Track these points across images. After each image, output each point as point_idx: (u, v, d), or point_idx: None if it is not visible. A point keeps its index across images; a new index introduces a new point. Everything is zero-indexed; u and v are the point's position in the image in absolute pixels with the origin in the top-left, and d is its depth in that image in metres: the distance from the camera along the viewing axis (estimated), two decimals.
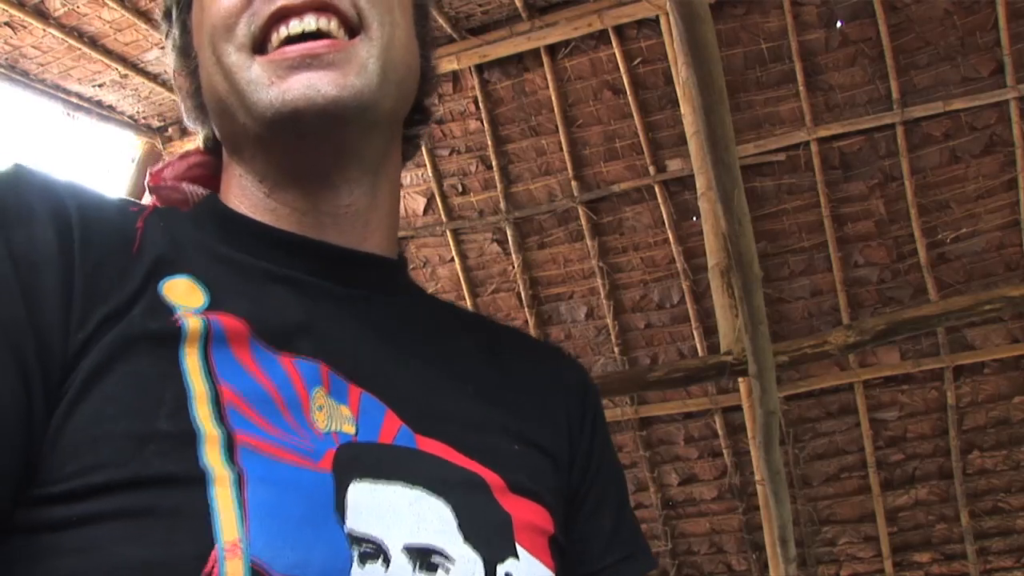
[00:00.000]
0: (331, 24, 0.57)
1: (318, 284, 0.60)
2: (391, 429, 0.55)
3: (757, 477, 3.88)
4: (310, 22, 0.57)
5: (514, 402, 0.64)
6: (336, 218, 0.62)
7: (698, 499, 4.64)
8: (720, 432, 4.48)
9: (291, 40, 0.57)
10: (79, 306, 0.49)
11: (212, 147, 0.69)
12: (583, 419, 0.69)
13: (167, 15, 0.68)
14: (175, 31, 0.67)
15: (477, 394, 0.62)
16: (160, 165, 0.68)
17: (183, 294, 0.53)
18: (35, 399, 0.46)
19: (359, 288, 0.62)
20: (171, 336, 0.50)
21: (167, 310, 0.51)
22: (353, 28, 0.59)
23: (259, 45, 0.58)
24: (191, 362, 0.49)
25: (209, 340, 0.51)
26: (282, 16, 0.57)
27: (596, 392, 0.73)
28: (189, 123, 0.69)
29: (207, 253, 0.58)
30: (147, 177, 0.67)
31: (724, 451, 4.50)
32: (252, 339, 0.53)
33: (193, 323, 0.51)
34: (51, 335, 0.47)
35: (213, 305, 0.53)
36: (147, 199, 0.68)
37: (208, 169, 0.69)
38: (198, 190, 0.67)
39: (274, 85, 0.56)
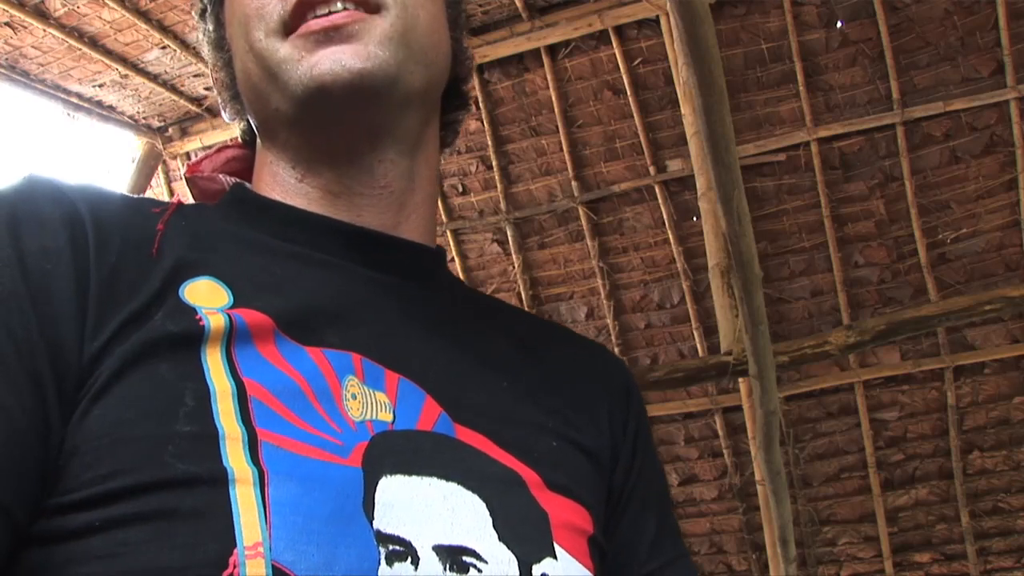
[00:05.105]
0: (355, 7, 0.59)
1: (352, 268, 0.59)
2: (431, 415, 0.54)
3: (757, 477, 3.88)
4: (337, 5, 0.58)
5: (553, 399, 0.62)
6: (371, 199, 0.61)
7: (698, 499, 4.64)
8: (720, 432, 4.48)
9: (317, 18, 0.58)
10: (94, 313, 0.48)
11: (249, 140, 0.69)
12: (626, 419, 0.67)
13: (203, 13, 0.68)
14: (209, 26, 0.67)
15: (514, 390, 0.61)
16: (198, 157, 0.69)
17: (205, 295, 0.52)
18: (50, 411, 0.45)
19: (394, 274, 0.61)
20: (193, 336, 0.49)
21: (189, 311, 0.50)
22: (376, 8, 0.59)
23: (290, 30, 0.59)
24: (213, 361, 0.48)
25: (232, 337, 0.50)
26: (310, 3, 0.58)
27: (639, 391, 0.72)
28: (226, 116, 0.69)
29: (235, 242, 0.57)
30: (185, 168, 0.68)
31: (724, 451, 4.50)
32: (277, 333, 0.51)
33: (216, 321, 0.50)
34: (65, 345, 0.47)
35: (237, 302, 0.52)
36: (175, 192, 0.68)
37: (245, 163, 0.69)
38: (234, 181, 0.67)
39: (303, 60, 0.57)
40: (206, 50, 0.68)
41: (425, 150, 0.65)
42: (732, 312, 3.11)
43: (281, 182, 0.63)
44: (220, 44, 0.66)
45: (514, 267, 4.43)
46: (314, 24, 0.57)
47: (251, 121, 0.66)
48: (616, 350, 4.43)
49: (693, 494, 4.64)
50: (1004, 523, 4.34)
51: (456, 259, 4.46)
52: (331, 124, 0.59)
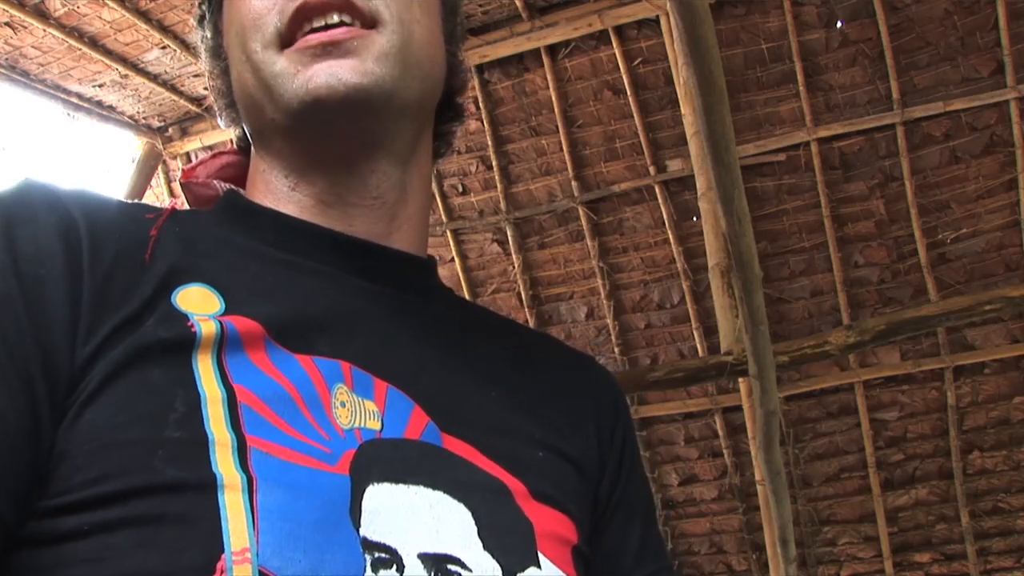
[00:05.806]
0: (352, 21, 0.59)
1: (343, 277, 0.60)
2: (418, 425, 0.54)
3: (757, 477, 3.88)
4: (333, 18, 0.58)
5: (541, 409, 0.63)
6: (363, 209, 0.62)
7: (698, 499, 4.64)
8: (720, 432, 4.49)
9: (315, 31, 0.58)
10: (87, 318, 0.49)
11: (244, 147, 0.69)
12: (613, 430, 0.68)
13: (201, 21, 0.69)
14: (207, 34, 0.68)
15: (502, 399, 0.61)
16: (194, 163, 0.70)
17: (197, 302, 0.52)
18: (42, 415, 0.46)
19: (385, 284, 0.61)
20: (185, 342, 0.49)
21: (181, 318, 0.50)
22: (373, 23, 0.60)
23: (286, 42, 0.59)
24: (204, 367, 0.49)
25: (223, 344, 0.50)
26: (306, 15, 0.58)
27: (626, 404, 0.72)
28: (222, 123, 0.70)
29: (228, 249, 0.58)
30: (180, 174, 0.68)
31: (724, 451, 4.50)
32: (268, 341, 0.52)
33: (207, 328, 0.50)
34: (57, 349, 0.47)
35: (229, 309, 0.52)
36: (168, 197, 0.68)
37: (240, 169, 0.69)
38: (228, 187, 0.68)
39: (299, 74, 0.57)
40: (203, 57, 0.69)
41: (418, 161, 0.66)
42: (732, 312, 3.12)
43: (274, 190, 0.63)
44: (217, 52, 0.67)
45: (514, 267, 4.43)
46: (312, 39, 0.57)
47: (246, 129, 0.67)
48: (616, 350, 4.43)
49: (693, 494, 4.64)
50: (1004, 523, 4.34)
51: (456, 259, 4.46)
52: (325, 134, 0.60)
